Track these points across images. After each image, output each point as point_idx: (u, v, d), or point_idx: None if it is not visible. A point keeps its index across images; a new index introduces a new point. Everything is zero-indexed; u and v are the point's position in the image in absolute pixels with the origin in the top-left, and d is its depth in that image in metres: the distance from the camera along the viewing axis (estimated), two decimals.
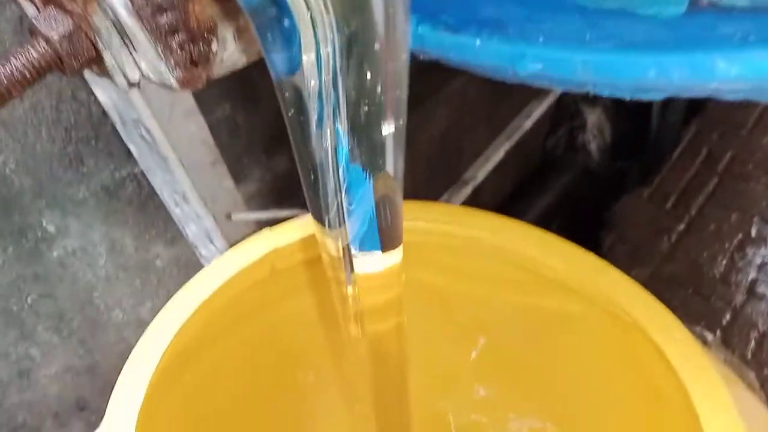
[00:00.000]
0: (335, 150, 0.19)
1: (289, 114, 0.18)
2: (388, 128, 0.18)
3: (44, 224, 0.46)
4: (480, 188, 0.80)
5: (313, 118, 0.18)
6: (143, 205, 0.50)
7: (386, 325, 0.26)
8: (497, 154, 0.78)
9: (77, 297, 0.49)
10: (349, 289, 0.24)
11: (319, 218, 0.22)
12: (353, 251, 0.22)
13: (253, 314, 0.34)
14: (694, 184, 0.98)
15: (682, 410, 0.28)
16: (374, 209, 0.21)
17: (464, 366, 0.47)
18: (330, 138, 0.19)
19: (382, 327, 0.26)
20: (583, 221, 0.95)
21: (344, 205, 0.21)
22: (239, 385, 0.37)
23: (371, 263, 0.23)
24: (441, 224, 0.36)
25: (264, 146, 0.53)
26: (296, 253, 0.32)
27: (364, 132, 0.18)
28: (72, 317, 0.49)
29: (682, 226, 0.90)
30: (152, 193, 0.48)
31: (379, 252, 0.23)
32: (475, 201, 0.81)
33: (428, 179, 0.78)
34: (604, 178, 1.09)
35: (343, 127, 0.18)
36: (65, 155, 0.45)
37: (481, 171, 0.77)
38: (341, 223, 0.21)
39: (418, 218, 0.36)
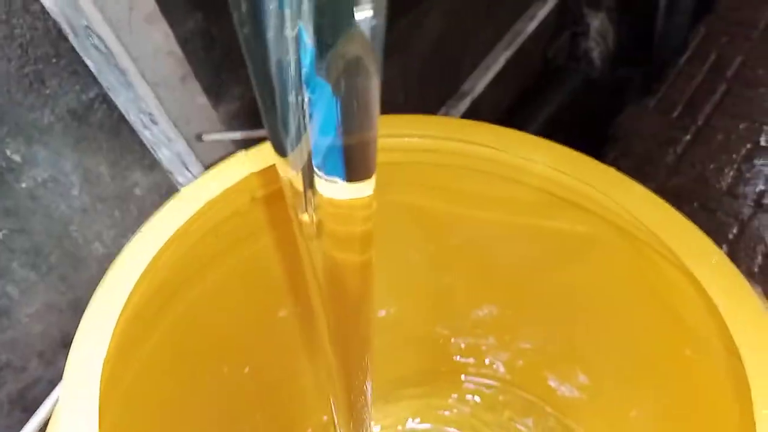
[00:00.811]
0: (297, 54, 0.15)
1: (242, 10, 0.15)
2: (362, 15, 0.14)
3: (8, 154, 0.42)
4: (479, 101, 0.76)
5: (270, 17, 0.14)
6: (116, 129, 0.46)
7: (350, 262, 0.22)
8: (497, 63, 0.73)
9: (53, 231, 0.46)
10: (308, 214, 0.21)
11: (278, 143, 0.18)
12: (316, 171, 0.19)
13: (233, 247, 0.31)
14: (701, 92, 0.94)
15: (716, 343, 0.26)
16: (341, 131, 0.17)
17: (462, 292, 0.45)
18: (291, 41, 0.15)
19: (345, 262, 0.23)
20: (586, 134, 0.91)
21: (307, 124, 0.17)
22: (219, 323, 0.34)
23: (335, 190, 0.19)
24: (437, 140, 0.32)
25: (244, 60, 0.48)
26: (277, 180, 0.29)
27: (331, 28, 0.14)
28: (49, 252, 0.46)
29: (688, 137, 0.86)
30: (124, 115, 0.44)
31: (343, 181, 0.19)
32: (473, 115, 0.77)
33: (422, 92, 0.73)
34: (607, 88, 1.05)
35: (306, 25, 0.14)
36: (23, 76, 0.40)
37: (480, 82, 0.72)
38: (299, 141, 0.18)
39: (411, 134, 0.32)
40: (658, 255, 0.30)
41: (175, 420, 0.34)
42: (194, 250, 0.29)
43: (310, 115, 0.17)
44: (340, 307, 0.23)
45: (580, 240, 0.35)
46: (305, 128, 0.18)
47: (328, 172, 0.18)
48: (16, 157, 0.42)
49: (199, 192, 0.27)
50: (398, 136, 0.30)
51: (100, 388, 0.23)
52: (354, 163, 0.18)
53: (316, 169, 0.18)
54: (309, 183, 0.19)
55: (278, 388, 0.44)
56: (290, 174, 0.19)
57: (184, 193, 0.27)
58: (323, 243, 0.21)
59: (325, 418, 0.51)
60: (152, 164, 0.49)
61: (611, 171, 0.30)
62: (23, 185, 0.44)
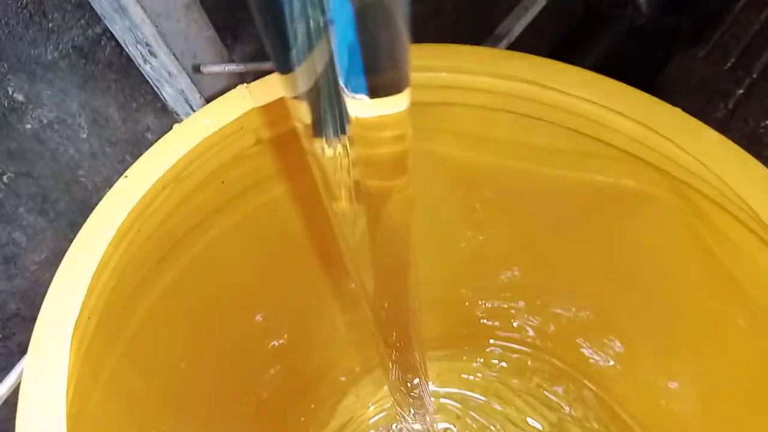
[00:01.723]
0: None
1: None
2: None
3: (11, 92, 0.40)
4: (514, 46, 0.71)
5: None
6: (125, 68, 0.43)
7: (386, 190, 0.19)
8: (536, 5, 0.68)
9: (60, 175, 0.44)
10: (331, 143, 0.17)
11: (281, 55, 0.15)
12: (342, 88, 0.15)
13: (241, 197, 0.29)
14: (758, 41, 0.87)
15: None
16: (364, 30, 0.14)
17: (492, 251, 0.42)
18: None
19: (380, 191, 0.19)
20: (630, 85, 0.86)
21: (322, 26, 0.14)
22: (229, 279, 0.32)
23: (358, 108, 0.16)
24: (472, 75, 0.28)
25: None
26: (286, 118, 0.25)
27: None
28: (57, 198, 0.44)
29: (741, 91, 0.80)
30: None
31: (366, 97, 0.16)
32: None
33: (454, 33, 0.69)
34: (653, 36, 0.98)
35: None
36: (23, 7, 0.37)
37: (517, 25, 0.67)
38: (309, 48, 0.14)
39: (441, 67, 0.28)
40: (721, 214, 0.26)
41: (183, 376, 0.32)
42: (195, 199, 0.26)
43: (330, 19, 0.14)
44: (376, 247, 0.20)
45: (626, 196, 0.31)
46: (321, 32, 0.14)
47: (352, 87, 0.15)
48: (19, 96, 0.40)
49: (192, 130, 0.24)
50: (426, 69, 0.26)
51: (88, 349, 0.21)
52: (376, 73, 0.15)
53: (342, 84, 0.15)
54: (327, 103, 0.16)
55: (296, 341, 0.42)
56: (296, 88, 0.16)
57: (176, 131, 0.24)
58: (354, 170, 0.18)
59: (357, 369, 0.49)
60: (164, 107, 0.46)
61: (678, 113, 0.26)
62: (28, 126, 0.41)
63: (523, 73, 0.26)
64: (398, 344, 0.27)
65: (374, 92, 0.15)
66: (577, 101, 0.26)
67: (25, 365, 0.18)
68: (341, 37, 0.14)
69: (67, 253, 0.21)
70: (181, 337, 0.31)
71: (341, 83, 0.15)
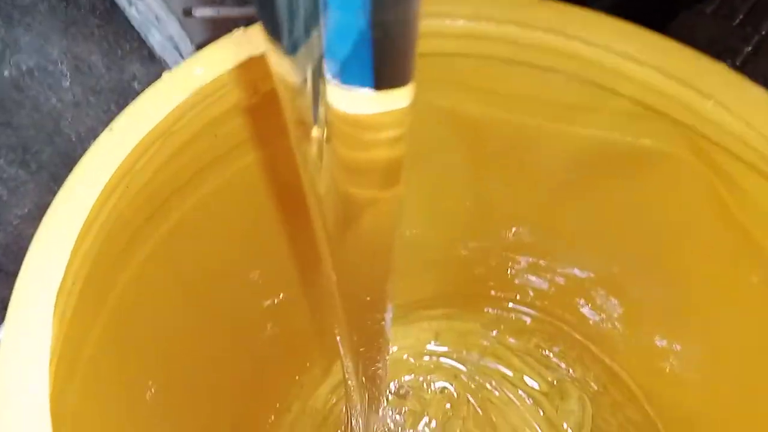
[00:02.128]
0: None
1: None
2: None
3: None
4: None
5: None
6: (110, 12, 0.41)
7: (370, 200, 0.17)
8: None
9: (42, 126, 0.41)
10: (317, 134, 0.15)
11: (273, 23, 0.12)
12: (329, 79, 0.13)
13: (236, 152, 0.27)
14: None
15: None
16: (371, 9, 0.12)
17: (495, 210, 0.40)
18: None
19: (363, 201, 0.17)
20: None
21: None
22: (221, 236, 0.30)
23: (356, 102, 0.13)
24: (490, 23, 0.25)
25: None
26: None
27: None
28: (39, 149, 0.42)
29: (749, 48, 0.78)
30: None
31: (370, 90, 0.13)
32: None
33: None
34: None
35: None
36: None
37: None
38: (307, 35, 0.12)
39: (457, 13, 0.25)
40: (743, 170, 0.25)
41: (174, 337, 0.31)
42: (186, 153, 0.24)
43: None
44: (352, 257, 0.19)
45: (641, 153, 0.30)
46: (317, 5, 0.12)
47: (349, 78, 0.13)
48: None
49: (183, 79, 0.22)
50: (443, 16, 0.24)
51: (73, 316, 0.20)
52: (387, 60, 0.13)
53: (329, 75, 0.13)
54: (316, 93, 0.14)
55: (292, 300, 0.41)
56: (290, 73, 0.14)
57: (165, 81, 0.22)
58: (334, 174, 0.16)
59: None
60: (152, 55, 0.44)
61: (721, 68, 0.24)
62: (6, 73, 0.39)
63: (548, 22, 0.24)
64: (361, 348, 0.26)
65: (380, 83, 0.13)
66: (604, 52, 0.24)
67: (2, 340, 0.17)
68: (344, 16, 0.12)
69: (47, 215, 0.19)
70: (172, 297, 0.30)
71: (329, 73, 0.13)
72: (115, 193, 0.20)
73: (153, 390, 0.28)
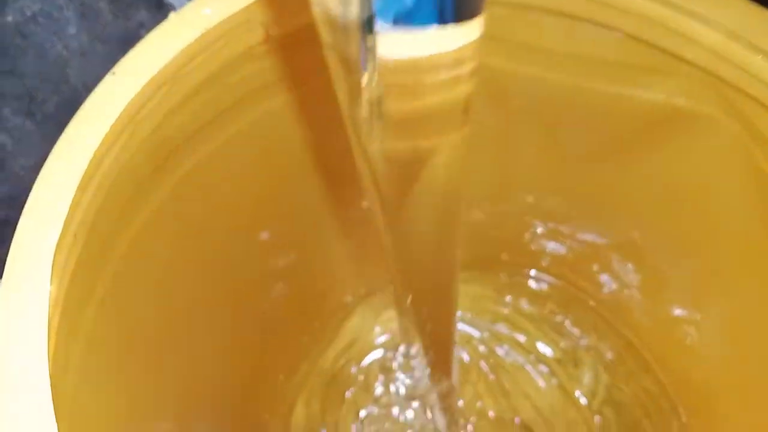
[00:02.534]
0: None
1: None
2: None
3: None
4: None
5: None
6: None
7: (431, 150, 0.15)
8: None
9: (47, 74, 0.40)
10: (367, 82, 0.14)
11: None
12: (379, 24, 0.11)
13: (247, 102, 0.25)
14: None
15: None
16: None
17: (514, 172, 0.39)
18: None
19: (423, 152, 0.16)
20: None
21: None
22: (231, 190, 0.29)
23: (413, 44, 0.12)
24: None
25: None
26: (301, 12, 0.22)
27: None
28: (45, 99, 0.40)
29: None
30: None
31: (434, 26, 0.12)
32: None
33: None
34: None
35: None
36: None
37: None
38: None
39: None
40: None
41: (181, 295, 0.30)
42: (194, 101, 0.23)
43: None
44: (416, 219, 0.17)
45: (675, 116, 0.28)
46: None
47: (411, 21, 0.11)
48: None
49: (190, 21, 0.20)
50: None
51: (73, 274, 0.19)
52: None
53: (388, 22, 0.11)
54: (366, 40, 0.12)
55: (302, 260, 0.40)
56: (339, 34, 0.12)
57: (171, 22, 0.20)
58: (388, 128, 0.14)
59: (363, 290, 0.48)
60: (159, 2, 0.42)
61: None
62: (9, 19, 0.37)
63: None
64: (427, 323, 0.25)
65: (446, 18, 0.12)
66: (658, 6, 0.22)
67: None
68: None
69: (45, 165, 0.18)
70: (180, 254, 0.29)
71: (388, 20, 0.11)
72: (119, 141, 0.19)
73: (158, 351, 0.27)
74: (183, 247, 0.28)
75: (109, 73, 0.20)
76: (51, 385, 0.16)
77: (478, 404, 0.44)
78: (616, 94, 0.28)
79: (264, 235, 0.36)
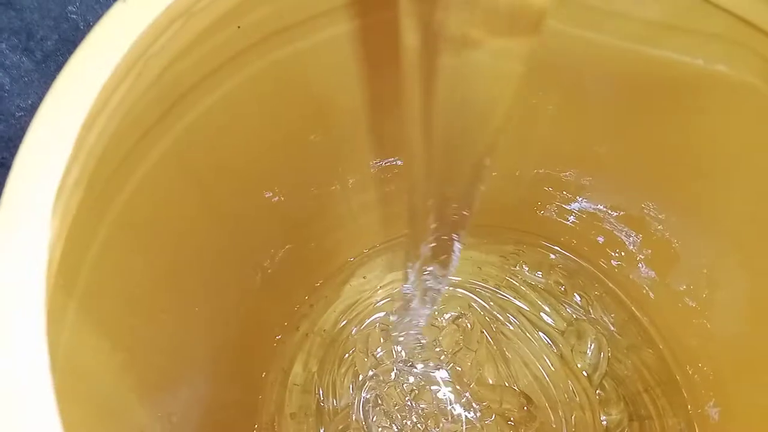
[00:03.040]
0: None
1: None
2: None
3: None
4: None
5: None
6: None
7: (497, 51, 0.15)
8: None
9: (48, 10, 0.38)
10: None
11: None
12: None
13: (262, 47, 0.24)
14: None
15: None
16: None
17: (535, 138, 0.37)
18: None
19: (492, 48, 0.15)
20: None
21: None
22: (238, 141, 0.28)
23: None
24: None
25: None
26: None
27: None
28: (44, 36, 0.38)
29: None
30: None
31: None
32: None
33: None
34: None
35: None
36: None
37: None
38: None
39: None
40: None
41: (184, 245, 0.29)
42: (206, 43, 0.21)
43: None
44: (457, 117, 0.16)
45: (713, 83, 0.27)
46: None
47: None
48: None
49: None
50: None
51: (75, 219, 0.17)
52: None
53: None
54: None
55: (308, 218, 0.39)
56: None
57: None
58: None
59: (366, 251, 0.47)
60: None
61: None
62: None
63: None
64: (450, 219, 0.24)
65: None
66: None
67: None
68: None
69: (45, 100, 0.16)
70: (185, 203, 0.28)
71: None
72: (127, 79, 0.18)
73: (156, 304, 0.26)
74: (187, 199, 0.27)
75: (119, 1, 0.18)
76: (47, 327, 0.15)
77: (478, 370, 0.43)
78: (651, 56, 0.27)
79: (270, 192, 0.34)
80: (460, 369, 0.43)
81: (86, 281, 0.21)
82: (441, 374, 0.43)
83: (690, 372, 0.41)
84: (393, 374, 0.43)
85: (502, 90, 0.16)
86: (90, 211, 0.19)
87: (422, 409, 0.42)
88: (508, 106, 0.17)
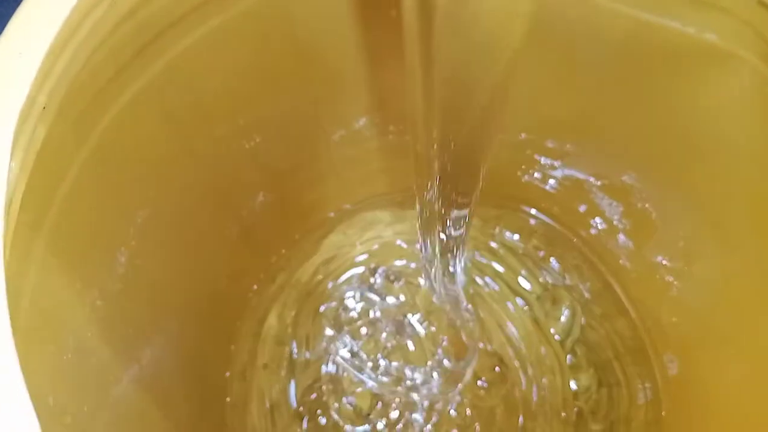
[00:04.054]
0: None
1: None
2: None
3: None
4: None
5: None
6: None
7: None
8: None
9: None
10: None
11: None
12: None
13: None
14: None
15: None
16: None
17: (521, 100, 0.37)
18: None
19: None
20: None
21: None
22: (216, 85, 0.27)
23: None
24: None
25: None
26: None
27: None
28: None
29: None
30: None
31: None
32: None
33: None
34: None
35: None
36: None
37: None
38: None
39: None
40: None
41: (158, 188, 0.28)
42: None
43: None
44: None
45: (701, 52, 0.26)
46: None
47: None
48: None
49: None
50: None
51: (43, 148, 0.17)
52: None
53: None
54: None
55: (288, 170, 0.38)
56: None
57: None
58: None
59: (348, 206, 0.46)
60: None
61: None
62: None
63: None
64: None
65: None
66: None
67: None
68: None
69: (10, 22, 0.15)
70: (162, 147, 0.27)
71: None
72: (100, 6, 0.17)
73: (128, 247, 0.26)
74: (164, 141, 0.26)
75: None
76: (6, 281, 0.14)
77: (452, 330, 0.43)
78: (644, 21, 0.26)
79: (251, 140, 0.34)
80: (434, 328, 0.44)
81: (56, 219, 0.20)
82: (415, 332, 0.43)
83: (659, 342, 0.41)
84: (366, 330, 0.43)
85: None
86: (60, 145, 0.19)
87: (394, 367, 0.42)
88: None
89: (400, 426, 0.40)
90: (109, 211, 0.24)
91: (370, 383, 0.41)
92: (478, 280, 0.45)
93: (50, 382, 0.20)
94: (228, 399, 0.40)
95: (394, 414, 0.41)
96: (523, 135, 0.40)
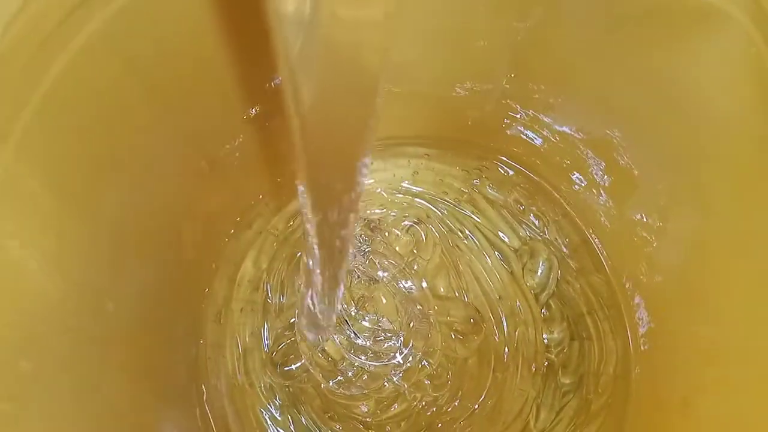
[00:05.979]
0: None
1: None
2: None
3: None
4: None
5: None
6: None
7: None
8: None
9: None
10: None
11: None
12: None
13: None
14: None
15: None
16: None
17: (506, 52, 0.36)
18: None
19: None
20: None
21: None
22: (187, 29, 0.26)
23: None
24: None
25: None
26: None
27: None
28: None
29: None
30: None
31: None
32: None
33: None
34: None
35: None
36: None
37: None
38: None
39: None
40: None
41: (122, 124, 0.28)
42: None
43: None
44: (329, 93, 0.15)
45: (699, 10, 0.25)
46: None
47: None
48: None
49: None
50: None
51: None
52: None
53: None
54: None
55: (263, 116, 0.37)
56: None
57: None
58: None
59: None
60: None
61: None
62: None
63: None
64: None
65: None
66: None
67: None
68: None
69: None
70: (121, 91, 0.26)
71: None
72: None
73: (97, 179, 0.25)
74: (124, 86, 0.25)
75: None
76: None
77: (430, 280, 0.43)
78: None
79: (219, 83, 0.32)
80: (410, 283, 0.43)
81: (13, 157, 0.20)
82: (390, 281, 0.43)
83: (633, 299, 0.42)
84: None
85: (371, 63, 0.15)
86: (10, 89, 0.18)
87: (368, 318, 0.42)
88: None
89: (365, 377, 0.41)
90: (72, 145, 0.23)
91: (343, 330, 0.42)
92: (457, 231, 0.45)
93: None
94: (201, 341, 0.41)
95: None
96: (509, 86, 0.39)
